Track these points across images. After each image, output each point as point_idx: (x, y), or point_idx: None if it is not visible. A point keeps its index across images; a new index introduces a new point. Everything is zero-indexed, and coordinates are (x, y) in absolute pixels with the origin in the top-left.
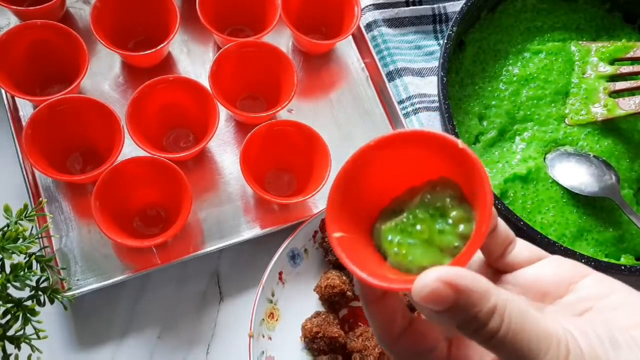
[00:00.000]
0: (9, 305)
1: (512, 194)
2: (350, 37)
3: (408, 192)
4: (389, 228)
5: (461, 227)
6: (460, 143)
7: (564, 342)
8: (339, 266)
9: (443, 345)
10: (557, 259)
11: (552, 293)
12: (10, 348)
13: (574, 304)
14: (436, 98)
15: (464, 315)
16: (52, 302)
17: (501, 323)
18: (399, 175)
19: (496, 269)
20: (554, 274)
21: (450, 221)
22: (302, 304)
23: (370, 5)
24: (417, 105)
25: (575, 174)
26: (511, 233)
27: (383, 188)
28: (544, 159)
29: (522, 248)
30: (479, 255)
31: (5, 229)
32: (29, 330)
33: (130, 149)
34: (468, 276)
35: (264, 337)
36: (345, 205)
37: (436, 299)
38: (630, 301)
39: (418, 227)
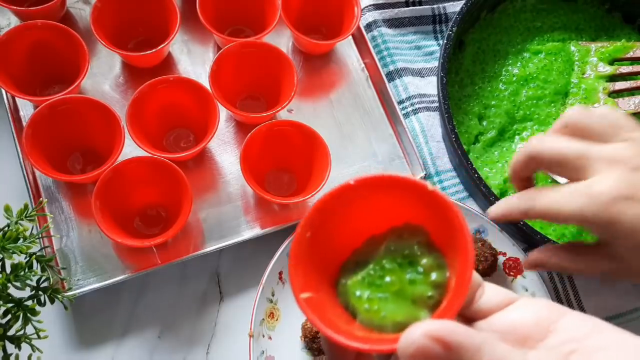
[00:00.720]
0: (10, 305)
1: (511, 194)
2: (350, 37)
3: (368, 242)
4: (356, 282)
5: (433, 276)
6: (429, 185)
7: None
8: None
9: None
10: (531, 301)
11: (533, 337)
12: (10, 348)
13: (557, 347)
14: (436, 98)
15: None
16: (52, 302)
17: None
18: (359, 224)
19: (466, 317)
20: (532, 317)
21: (420, 269)
22: None
23: (370, 5)
24: (417, 105)
25: None
26: (479, 277)
27: (344, 239)
28: None
29: (492, 293)
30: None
31: (6, 228)
32: (29, 330)
33: (130, 149)
34: (458, 330)
35: (264, 336)
36: (308, 260)
37: (424, 358)
38: (615, 340)
39: (387, 278)
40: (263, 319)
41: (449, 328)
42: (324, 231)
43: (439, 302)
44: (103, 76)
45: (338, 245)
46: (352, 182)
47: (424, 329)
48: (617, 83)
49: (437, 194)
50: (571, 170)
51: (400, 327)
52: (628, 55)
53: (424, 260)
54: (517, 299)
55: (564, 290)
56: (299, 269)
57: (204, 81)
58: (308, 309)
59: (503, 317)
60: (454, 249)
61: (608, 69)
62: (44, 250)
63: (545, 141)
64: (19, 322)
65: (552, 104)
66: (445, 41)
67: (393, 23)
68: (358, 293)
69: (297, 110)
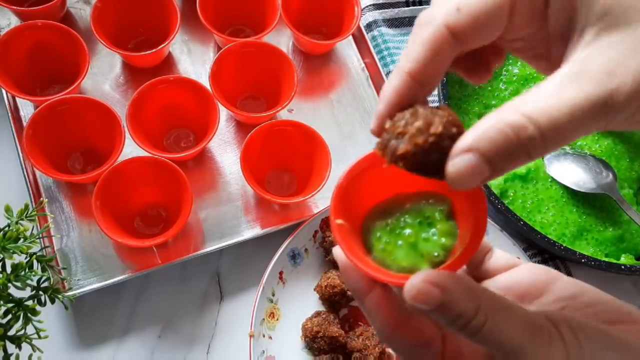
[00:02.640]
0: (10, 305)
1: (512, 194)
2: (351, 37)
3: (396, 197)
4: (381, 226)
5: (443, 240)
6: None
7: (546, 330)
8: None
9: (438, 339)
10: (532, 265)
11: (530, 294)
12: (11, 348)
13: (550, 303)
14: (436, 98)
15: (450, 313)
16: (52, 301)
17: (486, 319)
18: (392, 180)
19: (476, 276)
20: (530, 278)
21: (435, 232)
22: (302, 303)
23: (370, 5)
24: None
25: (573, 172)
26: (488, 243)
27: (376, 190)
28: (543, 158)
29: (498, 257)
30: None
31: (6, 228)
32: (29, 330)
33: (130, 149)
34: (452, 277)
35: (264, 336)
36: (347, 196)
37: (424, 299)
38: (601, 299)
39: (406, 230)
40: (263, 319)
41: (443, 275)
42: (361, 179)
43: (441, 262)
44: (103, 76)
45: (370, 193)
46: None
47: (424, 276)
48: None
49: None
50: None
51: (404, 271)
52: None
53: (440, 226)
54: (520, 263)
55: None
56: (339, 201)
57: (204, 81)
58: (338, 233)
59: (505, 276)
60: (470, 224)
61: None
62: (44, 250)
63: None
64: (20, 322)
65: None
66: None
67: (393, 23)
68: (379, 235)
69: (297, 110)
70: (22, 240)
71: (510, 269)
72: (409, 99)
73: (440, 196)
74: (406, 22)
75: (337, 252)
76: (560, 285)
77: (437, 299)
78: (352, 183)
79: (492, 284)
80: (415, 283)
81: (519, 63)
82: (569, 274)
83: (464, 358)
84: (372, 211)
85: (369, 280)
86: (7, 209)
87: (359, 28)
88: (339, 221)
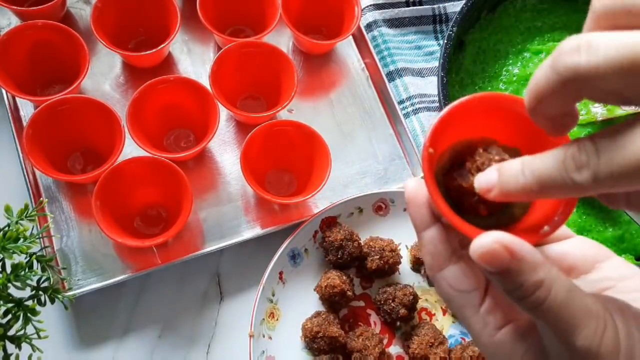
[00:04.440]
0: (10, 305)
1: None
2: (351, 37)
3: (482, 140)
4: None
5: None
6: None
7: (602, 318)
8: (339, 266)
9: (482, 289)
10: (583, 239)
11: (578, 269)
12: (11, 348)
13: (597, 282)
14: (436, 98)
15: (513, 281)
16: (52, 301)
17: (547, 296)
18: (484, 126)
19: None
20: (581, 252)
21: None
22: (302, 303)
23: (370, 5)
24: (417, 106)
25: None
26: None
27: (464, 131)
28: None
29: None
30: None
31: (6, 228)
32: (29, 329)
33: (130, 149)
34: (525, 246)
35: (264, 336)
36: (443, 130)
37: (490, 260)
38: None
39: None
40: (263, 319)
41: (518, 242)
42: (453, 126)
43: (518, 218)
44: (103, 76)
45: (458, 134)
46: (477, 97)
47: (497, 236)
48: None
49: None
50: None
51: (479, 225)
52: None
53: None
54: (573, 235)
55: None
56: (436, 134)
57: (204, 81)
58: (427, 161)
59: (557, 247)
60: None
61: None
62: (44, 250)
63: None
64: (20, 322)
65: None
66: (445, 41)
67: (393, 23)
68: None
69: (297, 110)
70: (22, 240)
71: (563, 240)
72: None
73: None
74: (406, 22)
75: (410, 183)
76: (610, 264)
77: (504, 263)
78: (449, 121)
79: (547, 252)
80: (485, 242)
81: (519, 63)
82: None
83: (502, 313)
84: (452, 147)
85: (433, 215)
86: (7, 209)
87: (359, 28)
88: (431, 150)
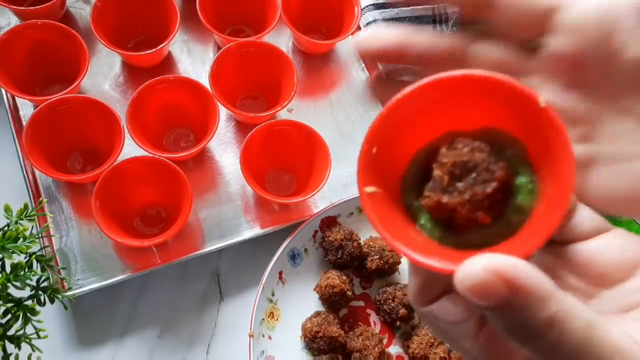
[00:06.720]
0: (10, 304)
1: None
2: (350, 37)
3: (446, 137)
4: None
5: (519, 199)
6: (542, 100)
7: (630, 357)
8: (339, 266)
9: (474, 319)
10: (623, 234)
11: (613, 275)
12: (10, 347)
13: (635, 291)
14: None
15: (515, 319)
16: (52, 301)
17: (561, 336)
18: (443, 120)
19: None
20: (618, 253)
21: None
22: (302, 303)
23: (370, 5)
24: None
25: None
26: (574, 198)
27: (421, 135)
28: None
29: (584, 217)
30: None
31: (6, 228)
32: (29, 329)
33: (130, 148)
34: (529, 272)
35: (264, 336)
36: (377, 155)
37: (483, 294)
38: None
39: None
40: (263, 319)
41: (518, 267)
42: (401, 128)
43: (518, 229)
44: (103, 76)
45: (414, 141)
46: (428, 80)
47: (490, 262)
48: None
49: (549, 111)
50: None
51: (465, 245)
52: None
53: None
54: (610, 229)
55: None
56: (368, 165)
57: (204, 81)
58: (369, 205)
59: (587, 246)
60: (551, 176)
61: None
62: (43, 250)
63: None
64: (19, 322)
65: None
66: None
67: (393, 23)
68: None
69: (297, 110)
70: (21, 240)
71: (597, 236)
72: None
73: (507, 138)
74: (406, 22)
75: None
76: None
77: (500, 296)
78: (386, 131)
79: (568, 253)
80: (473, 270)
81: None
82: None
83: (502, 342)
84: (412, 161)
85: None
86: (7, 209)
87: (359, 28)
88: (370, 188)
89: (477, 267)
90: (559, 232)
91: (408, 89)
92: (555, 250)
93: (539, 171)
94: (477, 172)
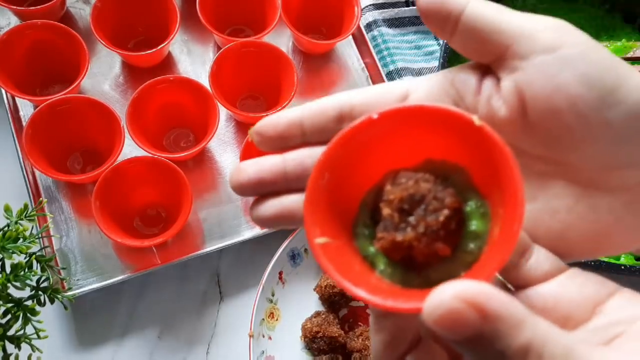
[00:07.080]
0: (9, 305)
1: None
2: (350, 37)
3: (388, 175)
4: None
5: (473, 225)
6: (475, 120)
7: None
8: None
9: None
10: (579, 273)
11: (576, 316)
12: (10, 348)
13: (602, 330)
14: None
15: (489, 350)
16: (52, 302)
17: None
18: (385, 160)
19: (507, 283)
20: (578, 292)
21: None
22: (302, 303)
23: (370, 5)
24: None
25: None
26: (527, 237)
27: (366, 177)
28: None
29: (541, 259)
30: None
31: (6, 228)
32: (29, 330)
33: (130, 148)
34: (500, 297)
35: (264, 336)
36: (325, 202)
37: (455, 325)
38: None
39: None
40: (263, 319)
41: (489, 293)
42: (343, 170)
43: (479, 256)
44: (103, 76)
45: (359, 183)
46: (375, 115)
47: (458, 290)
48: None
49: (485, 130)
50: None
51: (429, 283)
52: (628, 55)
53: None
54: (566, 269)
55: None
56: (316, 213)
57: (204, 81)
58: (324, 256)
59: (546, 289)
60: (500, 195)
61: None
62: (43, 250)
63: None
64: (19, 322)
65: None
66: (445, 41)
67: (393, 23)
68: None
69: None
70: (21, 240)
71: (556, 276)
72: None
73: (450, 165)
74: (406, 22)
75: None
76: (615, 304)
77: (473, 326)
78: (333, 178)
79: (528, 298)
80: (443, 300)
81: None
82: None
83: None
84: (361, 205)
85: None
86: (7, 209)
87: (359, 28)
88: (321, 239)
89: (445, 296)
90: (517, 275)
91: (354, 123)
92: (517, 295)
93: (488, 194)
94: (426, 202)
